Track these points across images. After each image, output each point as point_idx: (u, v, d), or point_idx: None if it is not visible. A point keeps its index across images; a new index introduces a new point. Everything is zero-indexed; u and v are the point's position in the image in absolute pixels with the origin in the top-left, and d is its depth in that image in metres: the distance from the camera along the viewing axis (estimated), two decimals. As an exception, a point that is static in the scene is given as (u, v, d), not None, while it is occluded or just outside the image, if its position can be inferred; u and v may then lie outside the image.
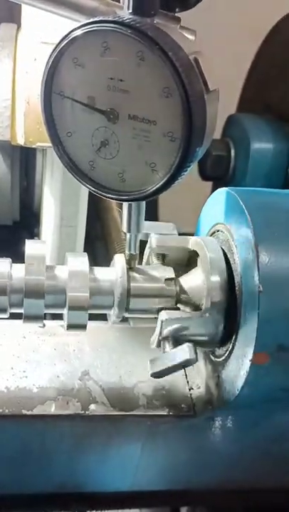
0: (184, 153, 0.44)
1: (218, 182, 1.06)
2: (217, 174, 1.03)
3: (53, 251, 0.75)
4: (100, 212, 1.01)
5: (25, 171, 0.86)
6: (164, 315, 0.55)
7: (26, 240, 0.55)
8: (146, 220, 0.56)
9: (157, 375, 0.54)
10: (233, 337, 0.55)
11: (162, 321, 0.55)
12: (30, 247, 0.55)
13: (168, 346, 0.55)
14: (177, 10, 0.51)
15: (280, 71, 1.05)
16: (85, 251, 0.80)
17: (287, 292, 0.50)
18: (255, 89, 1.13)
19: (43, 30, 0.65)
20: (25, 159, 0.84)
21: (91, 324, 0.64)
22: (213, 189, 1.13)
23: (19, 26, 0.79)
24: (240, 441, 0.63)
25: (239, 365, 0.53)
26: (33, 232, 1.02)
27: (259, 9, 1.36)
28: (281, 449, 0.64)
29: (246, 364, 0.52)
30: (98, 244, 1.02)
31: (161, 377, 0.55)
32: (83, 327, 0.56)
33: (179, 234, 1.27)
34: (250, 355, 0.51)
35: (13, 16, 0.95)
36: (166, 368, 0.54)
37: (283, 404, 0.58)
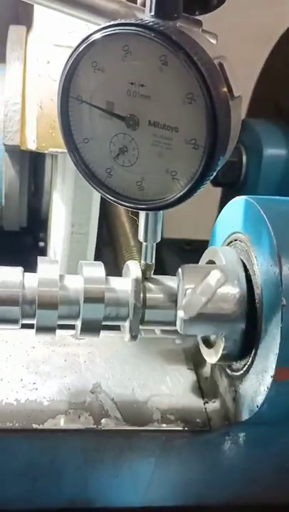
0: (207, 161, 0.42)
1: (229, 189, 1.04)
2: (228, 180, 1.01)
3: (64, 258, 0.73)
4: (108, 217, 1.00)
5: (34, 177, 0.84)
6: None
7: (38, 258, 0.54)
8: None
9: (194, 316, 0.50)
10: (253, 351, 0.53)
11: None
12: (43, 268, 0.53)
13: None
14: (197, 13, 0.49)
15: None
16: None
17: (312, 306, 0.49)
18: (267, 93, 1.11)
19: (57, 32, 0.63)
20: (33, 164, 0.82)
21: (102, 334, 0.63)
22: (223, 196, 1.12)
23: (27, 28, 0.77)
24: (255, 456, 0.61)
25: (259, 381, 0.51)
26: (40, 238, 1.00)
27: (267, 13, 1.34)
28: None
29: (267, 380, 0.50)
30: (105, 250, 1.01)
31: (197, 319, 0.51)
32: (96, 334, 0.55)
33: (187, 241, 1.26)
34: (271, 370, 0.49)
35: (18, 18, 0.94)
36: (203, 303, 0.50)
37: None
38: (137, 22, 0.41)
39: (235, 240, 0.58)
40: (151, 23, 0.41)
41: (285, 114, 1.04)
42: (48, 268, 0.54)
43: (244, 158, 1.01)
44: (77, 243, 0.73)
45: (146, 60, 0.42)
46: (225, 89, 0.42)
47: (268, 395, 0.50)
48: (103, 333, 0.64)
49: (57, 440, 0.58)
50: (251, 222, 0.55)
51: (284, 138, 0.98)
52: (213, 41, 0.47)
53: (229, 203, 0.60)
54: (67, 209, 0.71)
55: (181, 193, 0.45)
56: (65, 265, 0.73)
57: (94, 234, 0.73)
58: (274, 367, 0.49)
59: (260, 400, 0.51)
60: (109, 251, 0.99)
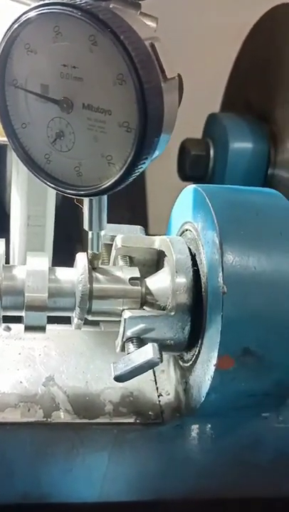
0: (139, 145, 0.42)
1: (197, 182, 1.04)
2: (196, 174, 1.01)
3: (21, 251, 0.72)
4: (80, 214, 0.99)
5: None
6: (127, 313, 0.52)
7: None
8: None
9: (120, 378, 0.51)
10: (199, 341, 0.52)
11: (125, 320, 0.52)
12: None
13: (132, 348, 0.52)
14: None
15: (261, 71, 1.03)
16: (65, 254, 0.78)
17: (253, 294, 0.48)
18: (237, 88, 1.11)
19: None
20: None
21: (58, 328, 0.62)
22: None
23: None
24: (210, 449, 0.60)
25: (205, 371, 0.50)
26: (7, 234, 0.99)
27: (245, 10, 1.35)
28: (253, 457, 0.61)
29: (211, 369, 0.49)
30: (79, 247, 1.00)
31: (124, 380, 0.52)
32: (42, 329, 0.53)
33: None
34: (214, 359, 0.48)
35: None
36: (129, 370, 0.51)
37: (254, 412, 0.56)
38: (66, 1, 0.40)
39: (186, 230, 0.57)
40: (79, 2, 0.40)
41: (254, 107, 1.03)
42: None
43: (212, 151, 1.00)
44: (34, 235, 0.72)
45: (77, 40, 0.41)
46: (156, 70, 0.41)
47: (212, 384, 0.49)
48: (60, 327, 0.63)
49: (6, 433, 0.57)
50: (199, 211, 0.54)
51: (250, 131, 0.98)
52: (153, 24, 0.46)
53: (181, 192, 0.60)
54: (22, 201, 0.70)
55: (116, 177, 0.44)
56: (22, 258, 0.72)
57: (51, 226, 0.72)
58: (216, 356, 0.48)
59: (205, 389, 0.50)
60: (83, 248, 0.99)
